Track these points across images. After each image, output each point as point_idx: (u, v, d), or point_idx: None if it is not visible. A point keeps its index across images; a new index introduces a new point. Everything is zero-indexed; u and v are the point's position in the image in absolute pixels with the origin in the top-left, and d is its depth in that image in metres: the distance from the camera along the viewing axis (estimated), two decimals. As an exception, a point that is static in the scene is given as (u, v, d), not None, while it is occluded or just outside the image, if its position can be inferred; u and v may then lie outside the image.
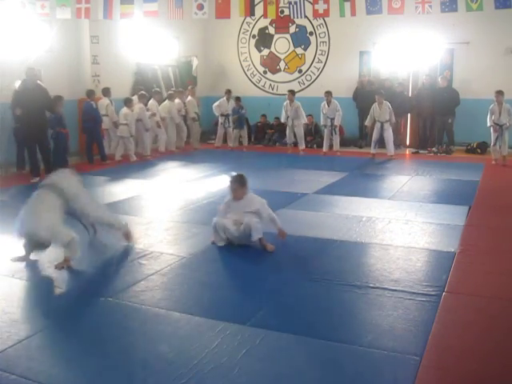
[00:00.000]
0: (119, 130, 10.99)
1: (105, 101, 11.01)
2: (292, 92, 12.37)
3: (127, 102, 11.08)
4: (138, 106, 11.29)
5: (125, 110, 11.01)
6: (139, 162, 10.92)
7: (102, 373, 3.14)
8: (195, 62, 14.54)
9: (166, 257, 5.13)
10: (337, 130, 12.10)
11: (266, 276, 4.68)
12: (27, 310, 3.94)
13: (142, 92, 11.65)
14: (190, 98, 13.08)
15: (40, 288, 4.39)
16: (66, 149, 9.80)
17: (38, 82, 9.25)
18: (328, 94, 12.03)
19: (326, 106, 12.02)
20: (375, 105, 11.42)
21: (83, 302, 4.10)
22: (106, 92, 11.07)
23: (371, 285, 4.39)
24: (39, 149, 9.12)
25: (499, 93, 10.40)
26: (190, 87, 13.48)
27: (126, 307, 4.03)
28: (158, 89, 12.72)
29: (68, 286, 4.45)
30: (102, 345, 3.46)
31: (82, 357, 3.31)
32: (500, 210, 7.12)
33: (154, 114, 11.65)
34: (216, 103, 13.11)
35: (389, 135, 11.42)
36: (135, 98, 11.56)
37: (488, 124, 10.57)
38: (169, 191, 8.31)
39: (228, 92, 13.07)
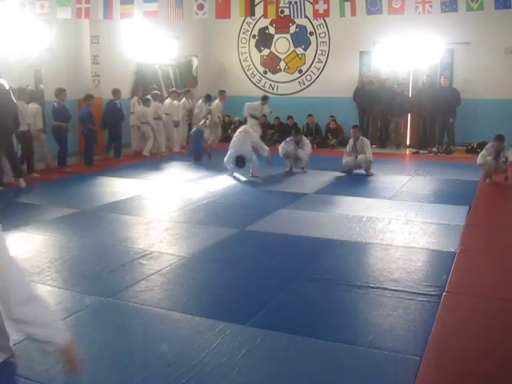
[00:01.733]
0: (141, 126, 11.76)
1: (134, 99, 11.95)
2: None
3: (145, 101, 11.68)
4: (153, 104, 11.84)
5: (144, 108, 11.62)
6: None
7: (102, 373, 3.14)
8: (195, 62, 14.55)
9: (166, 257, 5.13)
10: None
11: (266, 276, 4.67)
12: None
13: (172, 91, 12.46)
14: (217, 101, 13.03)
15: (40, 288, 4.38)
16: (92, 146, 10.59)
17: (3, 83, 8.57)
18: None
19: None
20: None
21: (83, 302, 4.09)
22: (136, 91, 12.16)
23: (371, 285, 4.39)
24: (6, 155, 8.39)
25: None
26: (220, 91, 13.29)
27: (126, 307, 4.03)
28: (174, 88, 13.14)
29: (68, 285, 4.45)
30: (102, 345, 3.46)
31: (82, 357, 3.30)
32: (500, 210, 7.12)
33: (167, 114, 12.19)
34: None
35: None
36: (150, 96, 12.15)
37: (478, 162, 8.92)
38: (169, 191, 8.30)
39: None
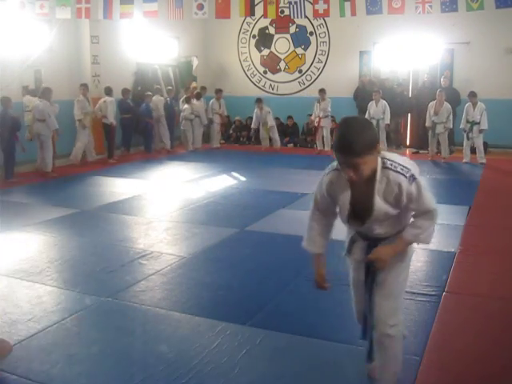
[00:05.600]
0: (183, 124, 12.63)
1: (183, 98, 12.83)
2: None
3: (187, 100, 12.60)
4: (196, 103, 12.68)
5: (195, 104, 12.55)
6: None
7: (102, 373, 3.14)
8: (195, 62, 14.53)
9: (165, 257, 5.13)
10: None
11: (266, 276, 4.67)
12: (27, 310, 3.94)
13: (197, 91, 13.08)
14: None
15: (40, 288, 4.38)
16: (151, 136, 12.11)
17: None
18: (377, 92, 11.82)
19: (374, 105, 11.81)
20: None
21: (83, 302, 4.10)
22: (186, 90, 13.35)
23: (371, 285, 4.38)
24: None
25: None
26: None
27: (126, 307, 4.03)
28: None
29: (68, 285, 4.45)
30: (102, 345, 3.46)
31: (82, 357, 3.31)
32: (500, 210, 7.12)
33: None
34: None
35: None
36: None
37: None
38: (169, 191, 8.30)
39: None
